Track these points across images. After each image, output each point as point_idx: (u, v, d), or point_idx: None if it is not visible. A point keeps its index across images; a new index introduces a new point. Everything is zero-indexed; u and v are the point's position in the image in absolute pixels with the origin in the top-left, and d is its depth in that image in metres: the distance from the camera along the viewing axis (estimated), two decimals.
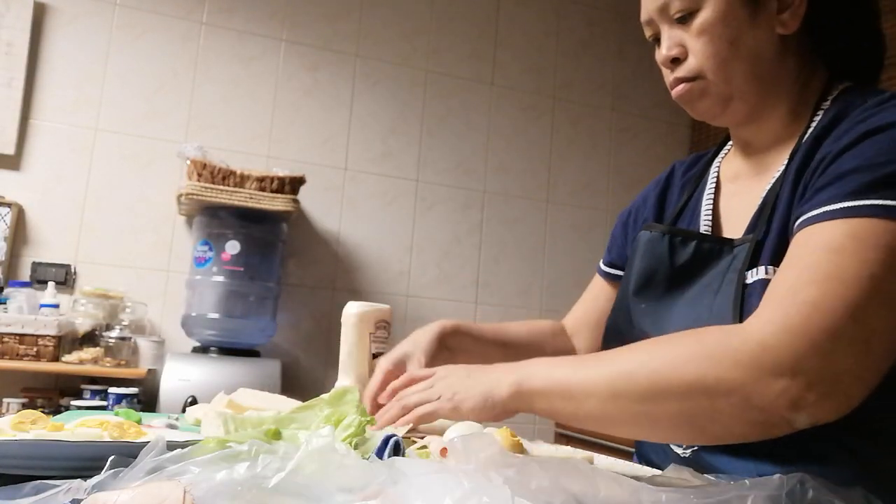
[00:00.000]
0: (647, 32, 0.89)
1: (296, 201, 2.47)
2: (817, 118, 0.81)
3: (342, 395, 0.74)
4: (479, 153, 3.10)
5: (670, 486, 0.60)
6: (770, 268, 0.75)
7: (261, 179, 2.42)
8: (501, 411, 0.76)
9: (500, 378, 0.76)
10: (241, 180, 2.41)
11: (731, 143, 0.97)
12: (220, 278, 2.43)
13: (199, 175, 2.38)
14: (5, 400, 2.24)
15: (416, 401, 0.80)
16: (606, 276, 1.09)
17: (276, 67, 2.85)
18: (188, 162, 2.42)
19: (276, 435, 0.63)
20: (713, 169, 0.96)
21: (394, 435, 0.63)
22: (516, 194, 3.14)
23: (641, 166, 3.33)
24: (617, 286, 1.03)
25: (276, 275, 2.56)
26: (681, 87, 0.85)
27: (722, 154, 0.98)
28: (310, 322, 2.80)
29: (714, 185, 0.94)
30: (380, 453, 0.61)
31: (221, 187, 2.37)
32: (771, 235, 0.78)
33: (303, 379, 2.74)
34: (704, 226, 0.90)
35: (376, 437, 0.65)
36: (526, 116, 3.18)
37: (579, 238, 3.20)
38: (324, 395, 0.75)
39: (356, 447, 0.65)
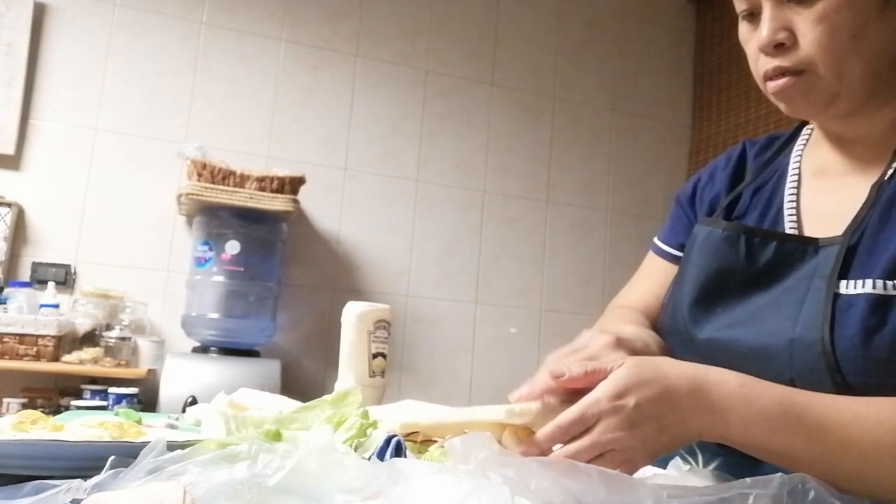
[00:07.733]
0: (741, 6, 0.77)
1: (296, 201, 2.47)
2: None
3: (344, 396, 0.74)
4: (479, 153, 3.10)
5: (672, 484, 0.60)
6: (880, 282, 0.68)
7: (261, 179, 2.42)
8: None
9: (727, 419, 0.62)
10: (241, 180, 2.40)
11: (810, 128, 0.87)
12: (220, 278, 2.43)
13: (199, 175, 2.38)
14: (5, 400, 2.24)
15: (611, 445, 0.59)
16: (670, 256, 0.97)
17: (276, 67, 2.84)
18: (188, 162, 2.42)
19: (277, 436, 0.63)
20: (793, 159, 0.86)
21: (395, 435, 0.63)
22: (516, 194, 3.14)
23: (641, 166, 3.33)
24: (677, 267, 0.92)
25: (276, 275, 2.56)
26: (785, 80, 0.74)
27: (801, 142, 0.88)
28: (310, 322, 2.80)
29: (796, 178, 0.84)
30: (381, 454, 0.61)
31: (221, 187, 2.37)
32: (881, 245, 0.70)
33: (303, 379, 2.74)
34: (790, 226, 0.81)
35: (378, 437, 0.65)
36: (526, 116, 3.18)
37: (579, 238, 3.20)
38: (326, 396, 0.75)
39: (357, 448, 0.64)
